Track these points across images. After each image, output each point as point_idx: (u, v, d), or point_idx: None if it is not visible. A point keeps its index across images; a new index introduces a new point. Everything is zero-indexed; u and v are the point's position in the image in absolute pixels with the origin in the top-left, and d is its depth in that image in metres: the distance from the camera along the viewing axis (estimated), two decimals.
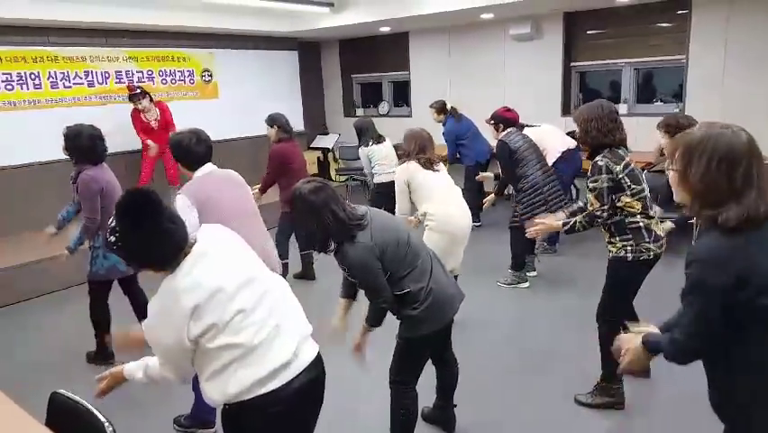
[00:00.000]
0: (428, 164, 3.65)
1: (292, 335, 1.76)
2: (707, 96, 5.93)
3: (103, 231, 3.48)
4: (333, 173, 8.75)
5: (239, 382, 1.64)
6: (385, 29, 7.72)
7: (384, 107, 8.84)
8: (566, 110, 7.02)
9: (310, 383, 1.76)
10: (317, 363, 1.82)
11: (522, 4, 5.94)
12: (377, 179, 5.26)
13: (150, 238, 1.60)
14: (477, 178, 5.67)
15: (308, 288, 4.86)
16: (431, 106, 6.32)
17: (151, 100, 6.36)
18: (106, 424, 1.61)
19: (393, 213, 5.33)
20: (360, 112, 9.18)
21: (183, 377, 1.77)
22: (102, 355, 3.64)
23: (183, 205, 2.52)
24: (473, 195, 6.29)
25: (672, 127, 3.71)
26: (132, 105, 6.29)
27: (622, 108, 6.67)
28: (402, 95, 8.79)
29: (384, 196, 5.31)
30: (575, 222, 2.85)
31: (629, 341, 1.69)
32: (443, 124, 6.25)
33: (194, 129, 2.80)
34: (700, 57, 5.99)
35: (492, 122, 4.52)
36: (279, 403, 1.68)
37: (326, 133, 9.08)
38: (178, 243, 1.64)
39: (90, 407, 1.67)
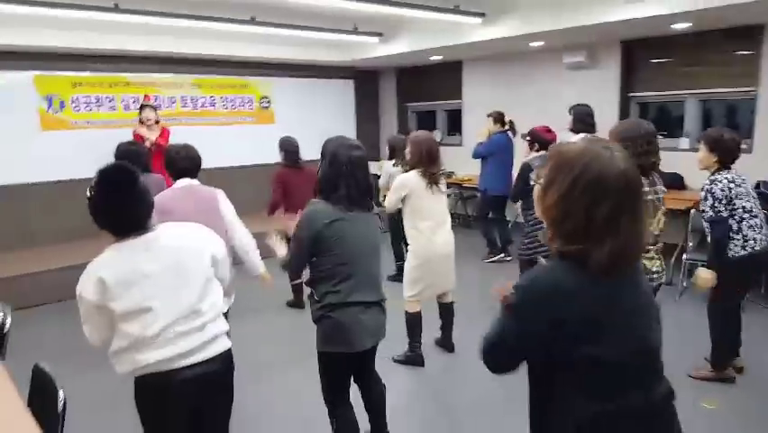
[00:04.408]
0: (432, 181, 3.55)
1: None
2: None
3: None
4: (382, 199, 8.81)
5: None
6: (436, 57, 7.78)
7: (437, 136, 8.84)
8: None
9: (205, 375, 1.92)
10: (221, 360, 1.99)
11: (573, 31, 5.76)
12: None
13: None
14: None
15: (297, 316, 4.80)
16: (489, 115, 6.15)
17: (157, 122, 6.05)
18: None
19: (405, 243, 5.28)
20: None
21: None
22: None
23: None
24: (502, 225, 6.19)
25: (716, 142, 3.23)
26: (124, 129, 6.09)
27: (683, 142, 6.24)
28: (456, 124, 8.76)
29: (399, 223, 5.29)
30: None
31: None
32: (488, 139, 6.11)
33: (186, 144, 2.99)
34: None
35: (528, 138, 4.30)
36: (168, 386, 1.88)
37: (379, 160, 9.19)
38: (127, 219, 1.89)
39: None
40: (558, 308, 1.19)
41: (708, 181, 3.24)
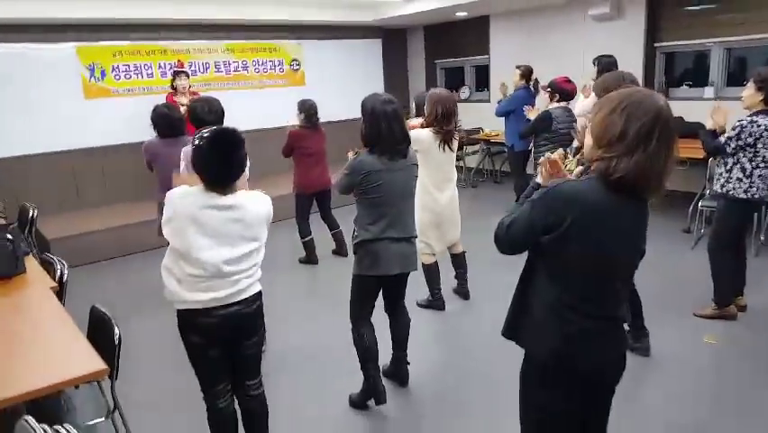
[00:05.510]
0: (447, 139, 3.70)
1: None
2: None
3: None
4: None
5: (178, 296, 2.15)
6: (461, 13, 7.81)
7: (465, 92, 8.92)
8: None
9: (236, 314, 2.19)
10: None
11: None
12: None
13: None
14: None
15: (312, 272, 5.17)
16: (517, 67, 6.09)
17: (190, 87, 6.28)
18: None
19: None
20: None
21: None
22: None
23: None
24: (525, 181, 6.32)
25: (764, 82, 3.21)
26: (162, 95, 6.31)
27: (708, 92, 6.22)
28: (483, 79, 8.82)
29: None
30: None
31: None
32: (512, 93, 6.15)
33: (207, 98, 3.18)
34: None
35: (549, 89, 4.44)
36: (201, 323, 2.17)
37: (408, 118, 9.35)
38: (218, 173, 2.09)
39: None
40: (566, 210, 1.47)
41: (747, 118, 3.28)
